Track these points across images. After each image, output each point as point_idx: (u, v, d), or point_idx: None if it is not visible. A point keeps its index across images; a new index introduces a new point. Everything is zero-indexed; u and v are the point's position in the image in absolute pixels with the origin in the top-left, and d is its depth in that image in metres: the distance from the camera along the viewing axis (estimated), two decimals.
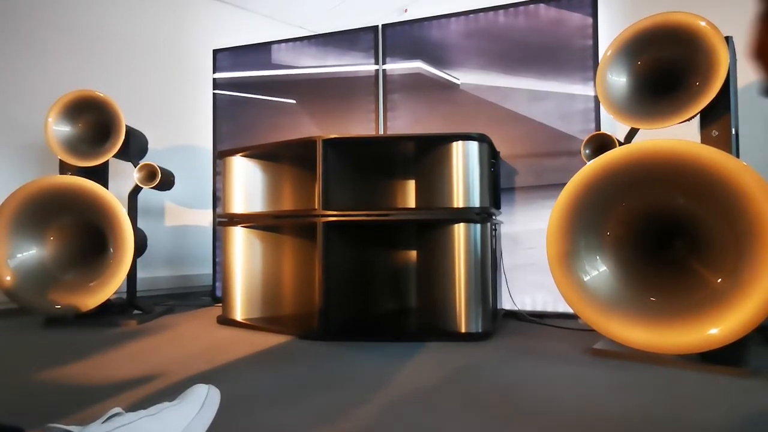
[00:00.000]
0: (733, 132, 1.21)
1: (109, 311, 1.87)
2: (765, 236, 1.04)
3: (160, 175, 1.88)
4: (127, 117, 1.84)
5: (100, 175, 1.90)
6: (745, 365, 1.12)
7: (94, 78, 2.36)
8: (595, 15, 1.86)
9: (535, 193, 1.93)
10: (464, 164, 1.53)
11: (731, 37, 1.20)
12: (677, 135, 1.23)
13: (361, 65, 2.21)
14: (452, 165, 1.54)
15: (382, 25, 2.18)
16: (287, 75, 2.33)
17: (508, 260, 1.91)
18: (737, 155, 1.25)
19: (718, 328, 1.08)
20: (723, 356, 1.13)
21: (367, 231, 1.77)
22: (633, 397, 0.97)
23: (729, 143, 1.19)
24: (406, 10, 2.91)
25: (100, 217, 1.78)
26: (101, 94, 1.81)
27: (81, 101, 1.84)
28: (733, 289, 1.10)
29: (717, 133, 1.20)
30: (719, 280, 1.15)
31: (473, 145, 1.55)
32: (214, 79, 2.43)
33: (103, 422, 0.63)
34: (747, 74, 1.75)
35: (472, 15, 2.03)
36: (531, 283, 1.90)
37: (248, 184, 1.84)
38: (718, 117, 1.21)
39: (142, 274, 2.21)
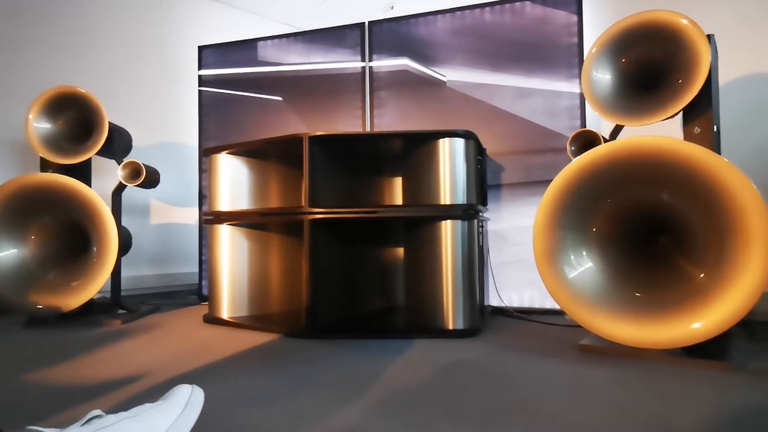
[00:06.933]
0: (715, 129, 1.22)
1: (92, 311, 1.84)
2: (746, 231, 1.06)
3: (144, 173, 1.86)
4: (111, 114, 1.81)
5: (82, 172, 1.87)
6: (728, 359, 1.14)
7: (76, 74, 2.31)
8: (579, 13, 1.87)
9: (521, 189, 1.94)
10: (451, 161, 1.54)
11: (713, 35, 1.22)
12: (661, 132, 1.24)
13: (348, 62, 2.20)
14: (439, 162, 1.54)
15: (369, 22, 2.18)
16: (273, 72, 2.31)
17: (495, 257, 1.92)
18: (718, 152, 1.27)
19: (701, 323, 1.09)
20: (706, 350, 1.14)
21: (354, 228, 1.76)
22: (619, 392, 0.98)
23: (711, 140, 1.20)
24: (392, 7, 2.90)
25: (82, 215, 1.75)
26: (83, 90, 1.78)
27: (62, 97, 1.81)
28: (715, 284, 1.11)
29: (699, 129, 1.22)
30: (702, 275, 1.16)
31: (460, 142, 1.55)
32: (199, 76, 2.40)
33: (83, 425, 0.62)
34: (728, 72, 1.78)
35: (458, 12, 2.03)
36: (518, 280, 1.91)
37: (234, 182, 1.83)
38: (700, 114, 1.22)
39: (127, 273, 2.18)
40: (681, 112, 1.24)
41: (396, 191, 1.93)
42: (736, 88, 1.79)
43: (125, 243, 1.94)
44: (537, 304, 1.89)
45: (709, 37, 1.19)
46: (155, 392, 0.97)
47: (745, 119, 1.75)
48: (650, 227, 1.33)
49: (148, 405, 0.70)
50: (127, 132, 2.01)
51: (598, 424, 0.82)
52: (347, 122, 2.19)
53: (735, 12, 1.80)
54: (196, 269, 2.46)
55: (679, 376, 1.07)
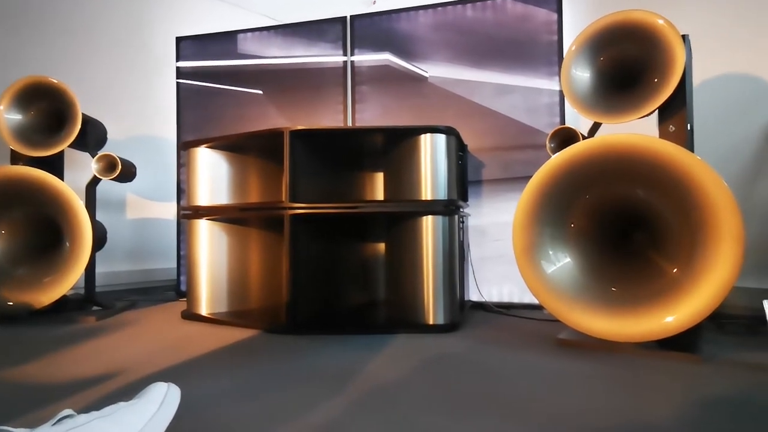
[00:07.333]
0: (689, 127, 1.25)
1: (65, 308, 1.79)
2: (717, 228, 1.09)
3: (120, 166, 1.82)
4: (85, 105, 1.76)
5: (54, 165, 1.81)
6: (699, 352, 1.17)
7: (49, 64, 2.24)
8: (559, 10, 1.89)
9: (502, 185, 1.95)
10: (432, 157, 1.54)
11: (687, 35, 1.24)
12: (638, 130, 1.26)
13: (329, 56, 2.18)
14: (420, 157, 1.54)
15: (351, 16, 2.16)
16: (254, 65, 2.28)
17: (475, 252, 1.94)
18: (692, 149, 1.30)
19: (673, 316, 1.12)
20: (678, 343, 1.17)
21: (335, 223, 1.76)
22: (595, 384, 1.00)
23: (685, 138, 1.23)
24: (374, 2, 2.88)
25: (54, 209, 1.70)
26: (55, 81, 1.73)
27: (34, 87, 1.75)
28: (687, 279, 1.14)
29: (674, 128, 1.24)
30: (675, 270, 1.19)
31: (441, 138, 1.55)
32: (177, 68, 2.35)
33: (53, 425, 0.60)
34: (702, 71, 1.82)
35: (440, 8, 2.03)
36: (498, 275, 1.93)
37: (213, 176, 1.80)
38: (674, 113, 1.24)
39: (102, 268, 2.13)
40: (657, 111, 1.27)
41: (377, 186, 1.93)
42: (711, 88, 1.83)
43: (100, 238, 1.89)
44: (516, 299, 1.91)
45: (684, 37, 1.21)
46: (130, 390, 0.95)
47: (718, 118, 1.80)
48: (626, 223, 1.36)
49: (122, 404, 0.69)
50: (102, 124, 1.96)
51: (574, 416, 0.83)
52: (329, 117, 2.17)
53: (710, 12, 1.84)
54: (174, 265, 2.41)
55: (653, 369, 1.10)
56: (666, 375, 1.06)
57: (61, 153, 1.82)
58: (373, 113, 2.12)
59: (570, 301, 1.28)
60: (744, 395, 0.94)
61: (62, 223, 1.72)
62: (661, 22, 1.21)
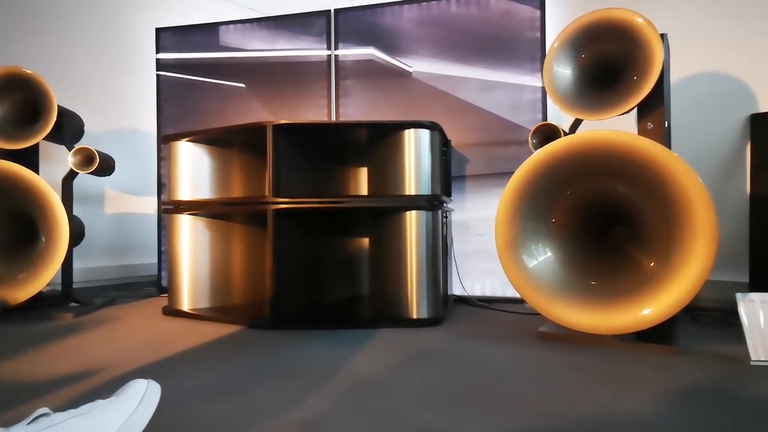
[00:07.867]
0: (666, 124, 1.27)
1: (42, 305, 1.75)
2: (693, 222, 1.11)
3: (98, 160, 1.77)
4: (61, 97, 1.72)
5: (29, 158, 1.77)
6: (675, 343, 1.20)
7: (24, 54, 2.18)
8: (542, 7, 1.90)
9: (485, 181, 1.97)
10: (416, 152, 1.54)
11: (666, 34, 1.26)
12: (618, 126, 1.28)
13: (313, 50, 2.16)
14: (404, 153, 1.55)
15: (335, 9, 2.14)
16: (236, 58, 2.24)
17: (458, 247, 1.95)
18: (669, 147, 1.32)
19: (650, 309, 1.15)
20: (656, 335, 1.20)
21: (319, 218, 1.75)
22: (575, 376, 1.02)
23: (662, 135, 1.25)
24: None
25: (29, 203, 1.66)
26: (29, 71, 1.68)
27: (7, 78, 1.70)
28: (664, 272, 1.17)
29: (652, 125, 1.27)
30: (652, 264, 1.22)
31: (425, 133, 1.55)
32: (157, 60, 2.30)
33: (29, 423, 0.59)
34: (679, 70, 1.85)
35: (424, 3, 2.03)
36: (481, 270, 1.95)
37: (195, 171, 1.77)
38: (653, 110, 1.27)
39: (80, 264, 2.09)
40: (636, 108, 1.29)
41: (361, 181, 1.93)
42: (688, 87, 1.87)
43: (77, 233, 1.85)
44: (499, 293, 1.93)
45: (663, 36, 1.23)
46: (109, 388, 0.94)
47: (695, 116, 1.84)
48: (606, 218, 1.38)
49: (100, 401, 0.67)
50: (78, 116, 1.92)
51: (555, 407, 0.85)
52: (312, 111, 2.16)
53: (689, 12, 1.88)
54: (155, 260, 2.38)
55: (631, 360, 1.12)
56: (644, 366, 1.08)
57: (36, 146, 1.77)
58: (357, 108, 2.11)
59: (551, 295, 1.30)
60: (718, 385, 0.96)
61: (38, 218, 1.68)
62: (640, 20, 1.23)
